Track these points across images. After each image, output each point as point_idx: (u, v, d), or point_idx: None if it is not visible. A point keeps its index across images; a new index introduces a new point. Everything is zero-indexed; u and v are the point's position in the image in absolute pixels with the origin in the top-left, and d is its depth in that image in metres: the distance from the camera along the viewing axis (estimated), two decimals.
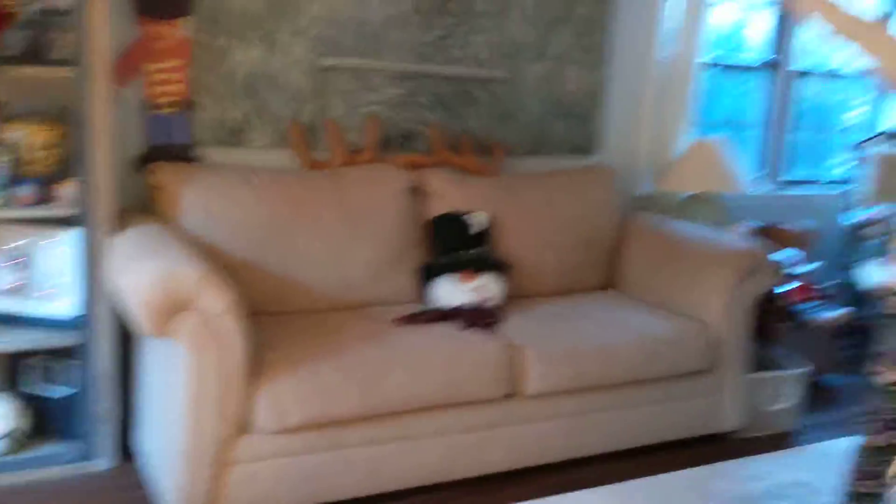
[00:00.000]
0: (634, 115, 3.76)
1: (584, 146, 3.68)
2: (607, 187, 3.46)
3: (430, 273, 2.96)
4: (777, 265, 3.19)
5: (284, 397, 2.28)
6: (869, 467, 2.10)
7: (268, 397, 2.27)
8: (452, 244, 3.02)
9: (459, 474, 2.64)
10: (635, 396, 2.88)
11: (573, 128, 3.64)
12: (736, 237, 3.38)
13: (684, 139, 3.79)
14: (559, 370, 2.68)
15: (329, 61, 3.07)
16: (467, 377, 2.56)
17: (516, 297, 3.03)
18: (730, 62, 4.16)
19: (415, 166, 3.17)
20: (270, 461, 2.32)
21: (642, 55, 3.70)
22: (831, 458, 2.77)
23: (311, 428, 2.34)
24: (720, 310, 2.99)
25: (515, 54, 3.43)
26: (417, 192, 3.11)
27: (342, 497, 2.46)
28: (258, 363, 2.31)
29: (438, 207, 3.09)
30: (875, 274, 3.75)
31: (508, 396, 2.65)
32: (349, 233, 2.91)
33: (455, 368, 2.55)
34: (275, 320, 2.64)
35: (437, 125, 3.28)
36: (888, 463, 2.07)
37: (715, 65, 4.03)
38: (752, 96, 4.30)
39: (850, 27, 1.94)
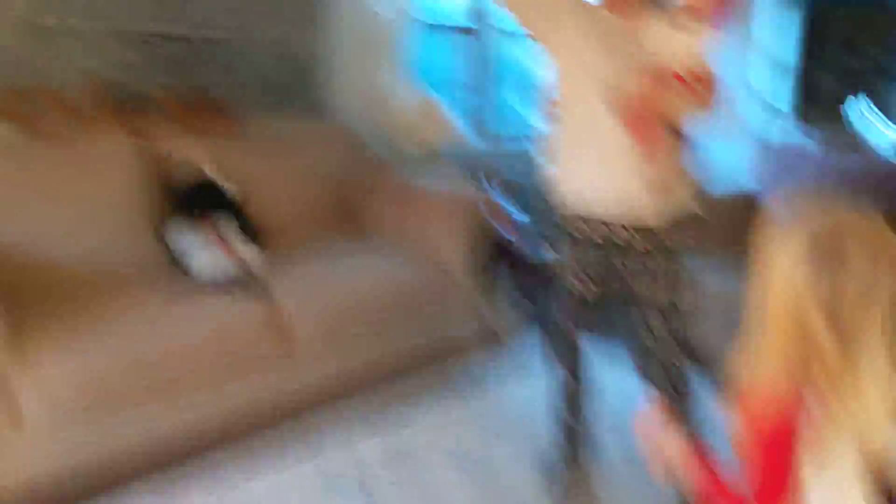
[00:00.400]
0: (360, 74, 3.91)
1: (314, 105, 3.76)
2: (346, 143, 3.60)
3: (181, 243, 2.89)
4: (498, 208, 3.56)
5: (54, 384, 2.14)
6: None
7: (35, 387, 2.12)
8: (203, 211, 2.97)
9: (223, 436, 2.66)
10: (390, 332, 3.05)
11: (304, 87, 3.70)
12: (460, 183, 3.71)
13: (407, 95, 4.03)
14: (324, 319, 2.80)
15: (50, 21, 2.82)
16: (241, 342, 2.58)
17: (275, 258, 3.07)
18: (434, 22, 4.46)
19: (148, 130, 3.05)
20: (48, 449, 2.18)
21: (363, 14, 3.84)
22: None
23: (86, 412, 2.23)
24: (456, 249, 3.29)
25: (246, 12, 3.40)
26: (154, 158, 3.00)
27: (129, 475, 2.38)
28: (17, 352, 2.14)
29: (179, 174, 3.01)
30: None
31: (283, 356, 2.72)
32: (86, 205, 2.76)
33: (228, 335, 2.55)
34: (28, 304, 2.43)
35: (169, 88, 3.17)
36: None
37: (425, 24, 4.30)
38: (457, 56, 4.66)
39: None
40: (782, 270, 1.14)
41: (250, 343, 2.60)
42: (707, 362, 2.79)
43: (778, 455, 1.19)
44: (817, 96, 7.45)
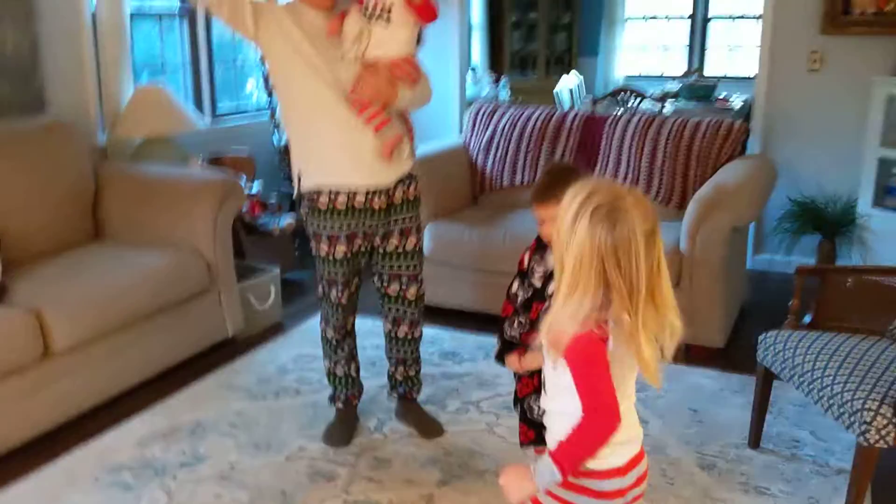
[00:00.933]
0: (78, 70, 3.85)
1: (33, 105, 3.66)
2: (71, 142, 3.55)
3: None
4: (241, 189, 3.74)
5: None
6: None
7: None
8: None
9: (13, 443, 2.68)
10: (153, 326, 3.20)
11: (18, 87, 3.58)
12: (202, 170, 3.83)
13: (127, 87, 4.03)
14: (81, 321, 2.87)
15: None
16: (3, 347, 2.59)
17: (12, 263, 3.03)
18: (145, 10, 4.47)
19: None
20: None
21: (75, 10, 3.79)
22: (313, 333, 3.52)
23: None
24: (207, 235, 3.45)
25: None
26: None
27: None
28: None
29: None
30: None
31: (42, 357, 2.75)
32: None
33: None
34: None
35: None
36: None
37: (137, 13, 4.30)
38: (171, 40, 4.69)
39: None
40: (581, 235, 1.40)
41: (5, 346, 2.61)
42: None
43: (595, 373, 1.42)
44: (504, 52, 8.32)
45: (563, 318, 1.44)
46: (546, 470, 1.47)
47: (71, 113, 3.80)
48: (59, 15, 3.74)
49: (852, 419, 2.18)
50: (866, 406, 2.15)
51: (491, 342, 3.50)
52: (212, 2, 2.46)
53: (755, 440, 2.76)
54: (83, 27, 3.86)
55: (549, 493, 1.54)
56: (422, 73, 2.63)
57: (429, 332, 3.33)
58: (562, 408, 1.51)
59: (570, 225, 1.43)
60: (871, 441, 2.15)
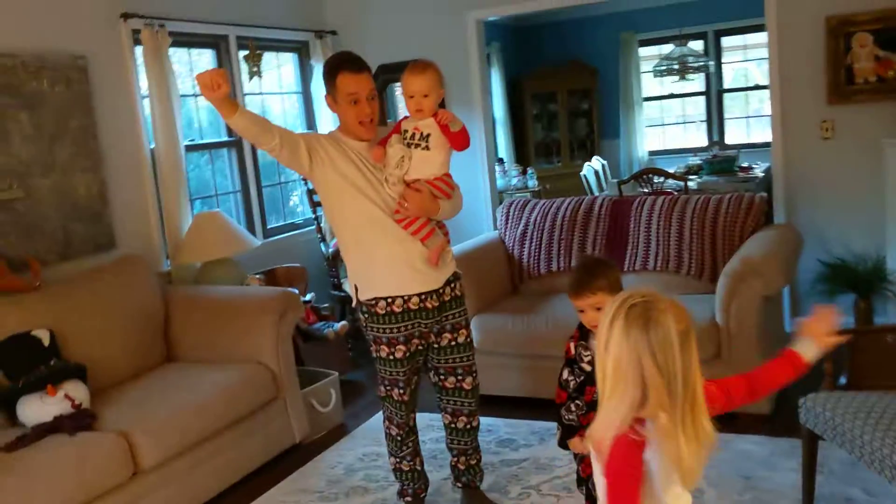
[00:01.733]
0: (142, 204, 4.23)
1: (105, 242, 4.01)
2: (141, 272, 3.87)
3: (10, 399, 3.06)
4: (299, 300, 4.02)
5: None
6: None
7: None
8: (23, 365, 3.15)
9: None
10: (228, 438, 3.43)
11: (92, 228, 3.95)
12: (260, 287, 4.12)
13: (186, 215, 4.38)
14: (165, 439, 3.11)
15: None
16: (95, 473, 2.84)
17: (99, 391, 3.31)
18: (198, 141, 4.87)
19: None
20: None
21: (137, 149, 4.19)
22: (375, 431, 3.72)
23: None
24: (270, 347, 3.71)
25: (26, 172, 3.63)
26: None
27: None
28: None
29: None
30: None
31: (133, 476, 2.99)
32: None
33: (82, 469, 2.81)
34: None
35: None
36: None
37: (189, 145, 4.70)
38: (218, 168, 5.08)
39: None
40: (618, 336, 1.49)
41: (101, 469, 2.86)
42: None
43: (623, 481, 1.51)
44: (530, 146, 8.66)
45: (604, 423, 1.54)
46: None
47: (138, 245, 4.15)
48: (124, 156, 4.15)
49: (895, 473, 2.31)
50: None
51: (544, 426, 3.69)
52: (273, 146, 2.76)
53: (809, 502, 2.87)
54: (145, 165, 4.26)
55: None
56: (455, 186, 2.92)
57: (484, 421, 3.50)
58: None
59: (606, 329, 1.54)
60: None
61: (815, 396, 2.76)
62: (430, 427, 3.78)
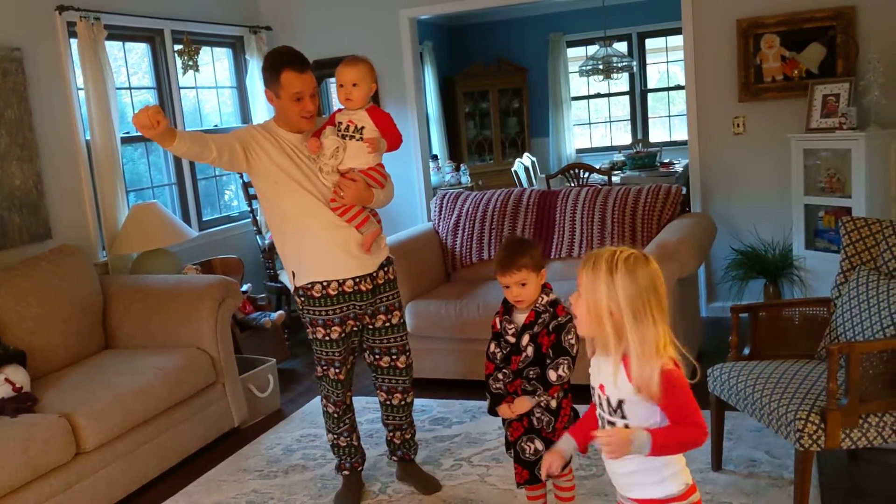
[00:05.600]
0: (78, 196, 4.26)
1: (41, 232, 4.04)
2: (78, 262, 3.90)
3: None
4: (237, 288, 4.11)
5: None
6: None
7: None
8: None
9: None
10: (168, 421, 3.51)
11: (28, 218, 3.97)
12: (198, 276, 4.20)
13: (123, 206, 4.43)
14: (107, 420, 3.19)
15: None
16: (38, 453, 2.90)
17: (39, 376, 3.36)
18: (133, 134, 4.90)
19: None
20: None
21: (71, 141, 4.22)
22: (311, 415, 3.85)
23: None
24: (209, 333, 3.79)
25: None
26: None
27: None
28: None
29: None
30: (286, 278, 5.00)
31: (75, 457, 3.06)
32: None
33: (26, 449, 2.87)
34: None
35: None
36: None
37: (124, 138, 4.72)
38: (153, 161, 5.12)
39: None
40: (620, 281, 1.73)
41: (45, 450, 2.92)
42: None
43: (686, 394, 1.76)
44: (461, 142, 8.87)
45: (642, 358, 1.74)
46: (642, 439, 1.76)
47: (74, 235, 4.19)
48: (59, 147, 4.17)
49: (788, 429, 2.56)
50: (798, 416, 2.53)
51: (476, 405, 3.88)
52: (213, 158, 2.86)
53: (717, 463, 3.11)
54: (80, 156, 4.29)
55: None
56: (387, 176, 3.08)
57: (418, 402, 3.67)
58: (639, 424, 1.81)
59: (605, 282, 1.75)
60: (806, 445, 2.52)
61: (722, 366, 3.01)
62: (367, 409, 3.92)
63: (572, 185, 6.53)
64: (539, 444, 2.62)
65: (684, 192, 4.52)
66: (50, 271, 3.73)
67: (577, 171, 6.69)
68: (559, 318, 2.59)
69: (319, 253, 2.98)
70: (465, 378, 4.18)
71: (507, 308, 2.68)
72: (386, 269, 3.11)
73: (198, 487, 3.42)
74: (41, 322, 3.56)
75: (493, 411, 2.68)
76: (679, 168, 7.00)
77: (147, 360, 3.60)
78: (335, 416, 3.17)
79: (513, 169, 7.62)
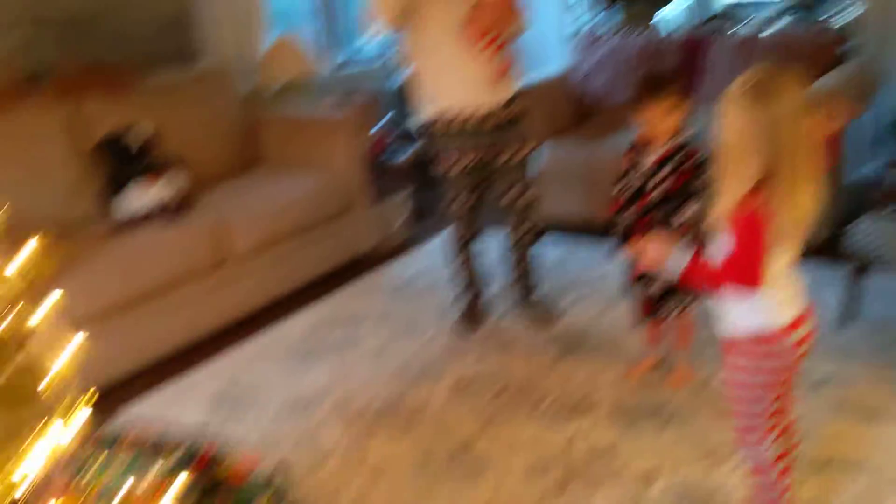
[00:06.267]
0: (225, 22, 4.39)
1: (187, 55, 4.22)
2: (227, 85, 4.11)
3: (116, 188, 3.39)
4: (374, 119, 4.22)
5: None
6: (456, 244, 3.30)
7: None
8: (125, 159, 3.46)
9: (205, 331, 3.30)
10: (306, 240, 3.74)
11: (175, 40, 4.15)
12: (336, 109, 4.33)
13: (267, 36, 4.54)
14: (257, 229, 3.46)
15: None
16: (189, 257, 3.20)
17: (195, 186, 3.61)
18: None
19: (62, 97, 3.47)
20: None
21: None
22: (440, 248, 3.98)
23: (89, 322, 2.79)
24: (345, 164, 3.95)
25: None
26: (74, 120, 3.44)
27: (125, 371, 2.99)
28: None
29: (99, 129, 3.47)
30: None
31: (225, 260, 3.35)
32: (22, 173, 3.19)
33: (178, 252, 3.17)
34: None
35: (69, 61, 3.57)
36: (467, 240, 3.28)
37: None
38: None
39: None
40: (731, 114, 1.59)
41: (195, 254, 3.21)
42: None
43: (750, 240, 1.64)
44: None
45: (727, 196, 1.66)
46: (679, 258, 1.77)
47: (219, 61, 4.35)
48: None
49: None
50: None
51: (600, 249, 3.90)
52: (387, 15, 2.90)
53: (847, 317, 3.04)
54: None
55: (730, 366, 1.84)
56: (524, 6, 3.02)
57: (542, 242, 3.72)
58: None
59: (729, 105, 1.63)
60: None
61: (870, 220, 2.89)
62: (491, 244, 4.03)
63: (720, 33, 6.15)
64: (662, 282, 2.64)
65: (843, 44, 4.19)
66: (200, 91, 3.95)
67: (726, 18, 6.29)
68: (694, 158, 2.55)
69: (451, 83, 3.00)
70: (592, 221, 4.19)
71: (638, 148, 2.65)
72: (515, 103, 3.11)
73: (332, 302, 3.68)
74: (195, 137, 3.79)
75: (618, 250, 2.70)
76: (839, 22, 6.44)
77: (291, 180, 3.81)
78: (459, 247, 3.29)
79: (656, 18, 7.22)
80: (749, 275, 1.68)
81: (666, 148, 2.57)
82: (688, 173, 2.53)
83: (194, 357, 3.21)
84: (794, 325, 1.78)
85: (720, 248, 1.74)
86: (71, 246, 2.99)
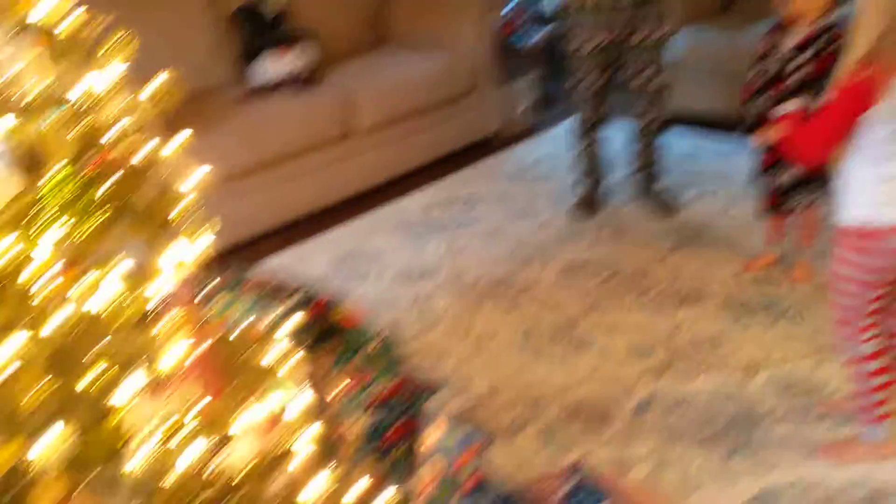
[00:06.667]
0: None
1: None
2: None
3: (250, 56, 3.51)
4: (502, 4, 4.14)
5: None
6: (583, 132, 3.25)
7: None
8: (260, 28, 3.56)
9: (331, 200, 3.45)
10: (431, 119, 3.79)
11: None
12: None
13: None
14: (380, 106, 3.52)
15: None
16: (316, 127, 3.31)
17: (323, 60, 3.69)
18: None
19: None
20: None
21: None
22: (563, 135, 3.92)
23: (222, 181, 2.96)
24: (473, 44, 3.92)
25: None
26: None
27: (251, 233, 3.17)
28: None
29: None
30: None
31: (346, 136, 3.44)
32: (162, 37, 3.34)
33: (306, 122, 3.28)
34: None
35: None
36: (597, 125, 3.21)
37: None
38: None
39: None
40: None
41: (322, 124, 3.32)
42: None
43: (838, 109, 1.63)
44: None
45: (845, 65, 1.62)
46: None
47: None
48: None
49: None
50: None
51: (731, 145, 3.74)
52: None
53: None
54: None
55: (834, 256, 1.81)
56: None
57: (671, 135, 3.59)
58: None
59: None
60: None
61: None
62: (617, 130, 3.93)
63: None
64: (792, 173, 2.53)
65: None
66: None
67: None
68: (839, 41, 2.37)
69: None
70: (725, 116, 4.00)
71: (777, 32, 2.49)
72: None
73: (453, 180, 3.74)
74: (326, 12, 3.85)
75: (749, 136, 2.58)
76: None
77: (417, 59, 3.82)
78: (584, 128, 3.24)
79: None
80: (819, 142, 1.71)
81: (810, 30, 2.40)
82: (830, 58, 2.37)
83: (318, 224, 3.36)
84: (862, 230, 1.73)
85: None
86: (206, 108, 3.15)
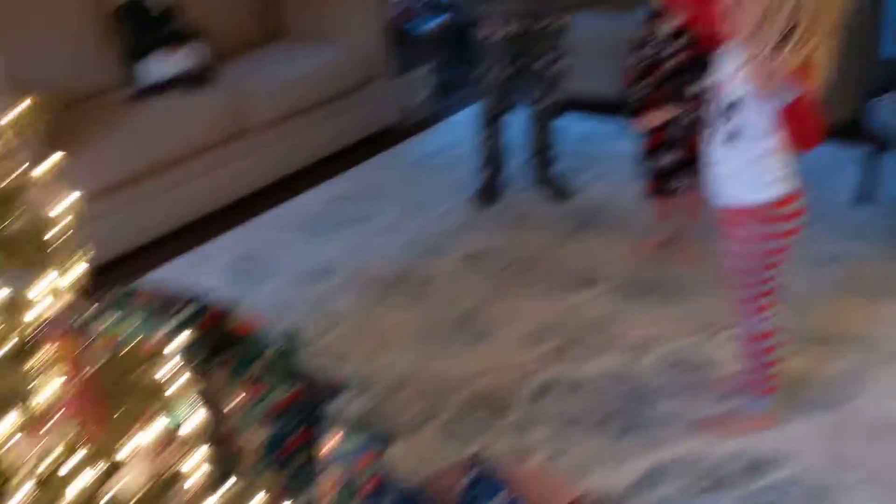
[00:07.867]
0: None
1: None
2: None
3: (136, 56, 3.41)
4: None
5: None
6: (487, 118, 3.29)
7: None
8: (146, 25, 3.47)
9: (224, 202, 3.40)
10: (326, 113, 3.76)
11: None
12: None
13: None
14: (278, 99, 3.50)
15: None
16: (207, 126, 3.25)
17: (214, 58, 3.62)
18: None
19: None
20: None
21: None
22: (465, 123, 3.96)
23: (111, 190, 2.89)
24: (369, 34, 3.91)
25: None
26: None
27: (142, 240, 3.11)
28: None
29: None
30: None
31: (240, 133, 3.39)
32: (42, 36, 3.22)
33: (197, 122, 3.22)
34: None
35: None
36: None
37: None
38: None
39: None
40: None
41: (214, 124, 3.26)
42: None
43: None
44: None
45: (758, 60, 1.65)
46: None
47: None
48: None
49: None
50: None
51: (623, 125, 3.84)
52: None
53: (862, 198, 3.01)
54: None
55: (736, 237, 1.90)
56: None
57: (567, 119, 3.67)
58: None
59: None
60: None
61: (891, 98, 2.82)
62: (516, 119, 3.99)
63: None
64: (673, 156, 2.63)
65: None
66: None
67: None
68: None
69: None
70: (617, 98, 4.11)
71: (652, 18, 2.58)
72: None
73: (353, 174, 3.73)
74: (215, 7, 3.77)
75: (631, 122, 2.68)
76: None
77: (310, 52, 3.79)
78: (488, 120, 3.28)
79: None
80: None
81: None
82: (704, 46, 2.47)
83: (212, 227, 3.31)
84: (793, 197, 1.83)
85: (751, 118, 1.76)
86: (90, 112, 3.06)
